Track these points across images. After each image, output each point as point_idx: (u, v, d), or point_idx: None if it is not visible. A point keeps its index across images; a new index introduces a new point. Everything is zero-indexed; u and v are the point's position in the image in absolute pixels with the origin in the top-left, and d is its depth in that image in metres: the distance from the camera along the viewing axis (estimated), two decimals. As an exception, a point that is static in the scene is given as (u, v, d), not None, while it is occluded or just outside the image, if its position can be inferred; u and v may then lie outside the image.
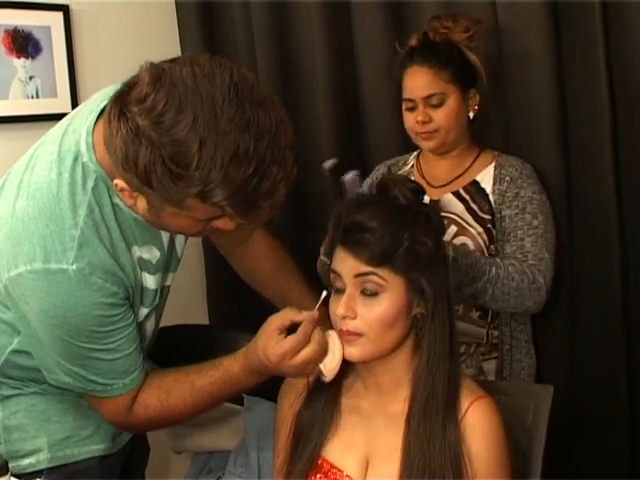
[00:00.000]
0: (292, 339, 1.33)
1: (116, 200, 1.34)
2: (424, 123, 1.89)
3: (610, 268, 1.94)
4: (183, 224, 1.27)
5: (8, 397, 1.49)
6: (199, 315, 2.68)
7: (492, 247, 1.89)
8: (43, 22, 2.31)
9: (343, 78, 2.35)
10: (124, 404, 1.44)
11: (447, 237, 1.86)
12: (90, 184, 1.32)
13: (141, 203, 1.24)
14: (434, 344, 1.34)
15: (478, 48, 1.90)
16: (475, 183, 1.94)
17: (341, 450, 1.41)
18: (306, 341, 1.33)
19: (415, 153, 2.08)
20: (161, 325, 2.07)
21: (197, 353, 1.96)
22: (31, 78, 2.29)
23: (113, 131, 1.17)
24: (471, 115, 1.93)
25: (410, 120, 1.92)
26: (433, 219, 1.36)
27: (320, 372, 1.37)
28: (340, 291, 1.35)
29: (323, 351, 1.34)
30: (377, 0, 2.22)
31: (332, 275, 1.37)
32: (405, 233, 1.30)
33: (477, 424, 1.32)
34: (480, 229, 1.89)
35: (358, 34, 2.29)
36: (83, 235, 1.30)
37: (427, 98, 1.87)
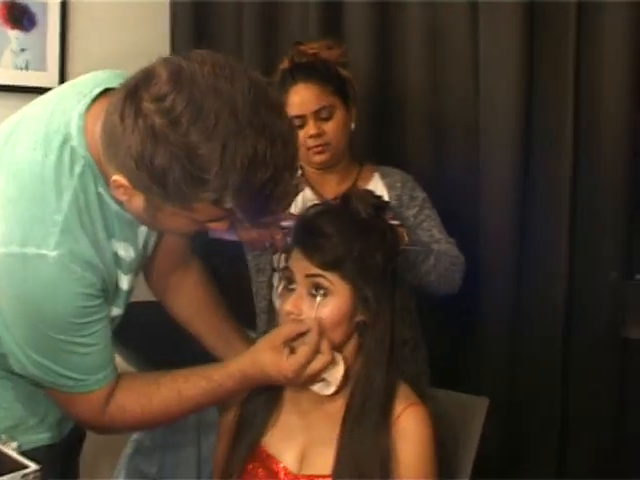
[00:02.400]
0: (306, 352, 1.35)
1: (100, 190, 1.28)
2: (317, 136, 1.93)
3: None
4: (180, 224, 1.24)
5: None
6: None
7: None
8: (40, -4, 2.37)
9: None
10: (98, 402, 1.37)
11: None
12: (77, 169, 1.25)
13: (137, 201, 1.20)
14: (373, 351, 1.41)
15: (347, 66, 1.98)
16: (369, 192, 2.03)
17: (280, 441, 1.48)
18: (317, 351, 1.36)
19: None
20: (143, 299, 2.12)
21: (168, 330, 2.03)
22: (22, 50, 2.35)
23: (127, 128, 1.12)
24: (353, 127, 2.00)
25: (300, 137, 1.91)
26: (388, 235, 1.44)
27: (324, 382, 1.41)
28: (291, 290, 1.42)
29: (331, 360, 1.38)
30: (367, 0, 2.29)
31: (286, 272, 1.44)
32: (357, 244, 1.38)
33: (408, 430, 1.39)
34: None
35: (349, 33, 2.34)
36: (66, 221, 1.23)
37: (317, 112, 1.92)
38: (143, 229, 1.42)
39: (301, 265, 1.40)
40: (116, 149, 1.16)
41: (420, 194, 2.00)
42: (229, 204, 1.13)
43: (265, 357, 1.37)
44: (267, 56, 2.51)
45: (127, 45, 2.48)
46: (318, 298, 1.38)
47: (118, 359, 2.04)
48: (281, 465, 1.45)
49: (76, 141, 1.25)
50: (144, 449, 2.08)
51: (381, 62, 2.31)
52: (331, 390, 1.41)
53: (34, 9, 2.35)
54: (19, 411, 1.45)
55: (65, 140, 1.25)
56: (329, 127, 1.93)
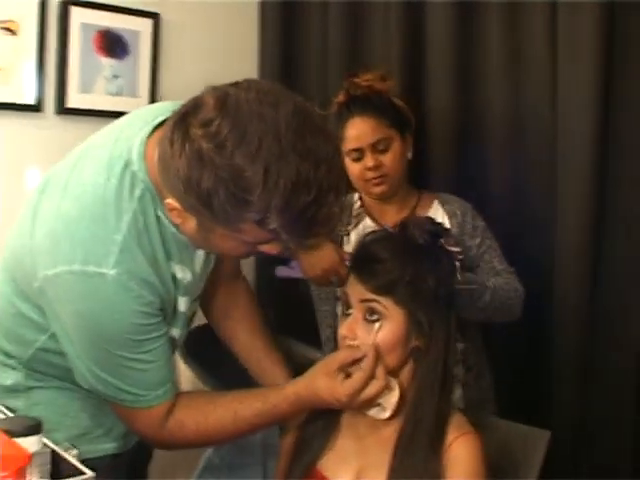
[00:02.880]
0: (361, 377, 1.37)
1: (159, 213, 1.33)
2: (375, 168, 1.95)
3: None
4: (231, 246, 1.28)
5: (31, 388, 1.49)
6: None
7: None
8: (134, 27, 2.50)
9: (417, 76, 2.40)
10: (157, 417, 1.41)
11: None
12: (137, 192, 1.31)
13: (190, 223, 1.25)
14: (426, 378, 1.42)
15: (401, 97, 2.00)
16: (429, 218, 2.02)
17: (335, 464, 1.49)
18: (372, 377, 1.37)
19: (357, 195, 2.12)
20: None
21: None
22: (115, 77, 2.47)
23: (176, 153, 1.17)
24: (409, 156, 2.01)
25: (358, 169, 1.97)
26: (444, 261, 1.45)
27: (379, 407, 1.42)
28: (348, 315, 1.44)
29: (386, 385, 1.39)
30: (449, 0, 2.29)
31: (344, 297, 1.47)
32: (410, 269, 1.39)
33: (459, 459, 1.38)
34: None
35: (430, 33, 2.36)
36: (125, 241, 1.29)
37: (374, 144, 1.94)
38: (200, 253, 1.46)
39: (356, 290, 1.42)
40: (167, 173, 1.21)
41: (480, 223, 2.00)
42: (273, 225, 1.16)
43: (319, 382, 1.39)
44: (351, 56, 2.55)
45: (216, 71, 2.57)
46: (377, 324, 1.40)
47: (192, 377, 2.12)
48: (335, 487, 1.47)
49: (137, 166, 1.31)
50: (213, 468, 2.14)
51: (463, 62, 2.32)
52: (386, 415, 1.42)
53: (127, 38, 2.47)
54: (85, 421, 1.52)
55: (126, 165, 1.32)
56: (386, 159, 1.96)
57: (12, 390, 1.49)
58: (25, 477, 1.11)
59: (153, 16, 2.54)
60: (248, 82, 1.21)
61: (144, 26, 2.51)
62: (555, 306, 2.11)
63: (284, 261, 2.04)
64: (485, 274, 1.92)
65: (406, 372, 1.45)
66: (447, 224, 1.97)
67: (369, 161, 1.94)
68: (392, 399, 1.41)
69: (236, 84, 1.20)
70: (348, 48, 2.57)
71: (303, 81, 2.74)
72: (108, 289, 1.28)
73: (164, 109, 1.36)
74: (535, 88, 2.17)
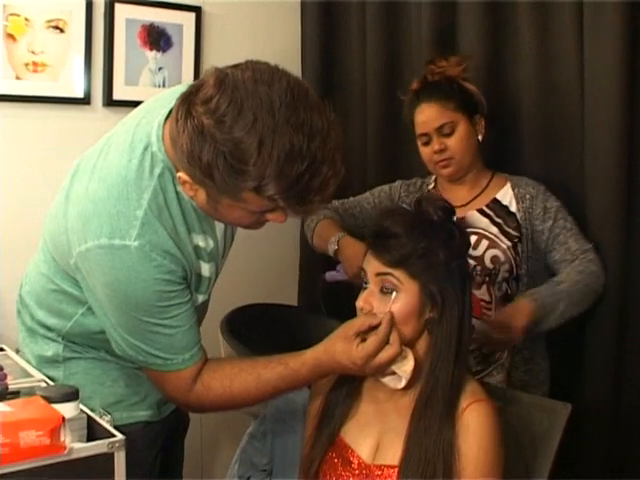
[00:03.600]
0: (374, 341, 1.42)
1: (179, 189, 1.43)
2: (441, 151, 2.05)
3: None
4: (238, 215, 1.39)
5: (69, 359, 1.61)
6: (289, 296, 2.85)
7: (518, 259, 2.04)
8: (177, 20, 2.59)
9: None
10: (185, 380, 1.51)
11: (479, 252, 2.04)
12: (157, 171, 1.42)
13: (201, 195, 1.36)
14: (441, 348, 1.48)
15: (472, 79, 2.07)
16: (496, 201, 2.09)
17: (356, 431, 1.56)
18: (386, 342, 1.43)
19: (433, 177, 2.22)
20: (251, 302, 2.27)
21: (282, 331, 2.17)
22: (160, 69, 2.57)
23: (180, 129, 1.28)
24: (480, 138, 2.08)
25: (427, 153, 2.09)
26: (456, 236, 1.50)
27: (395, 376, 1.48)
28: (365, 289, 1.51)
29: (400, 351, 1.45)
30: (481, 0, 2.31)
31: (361, 273, 1.53)
32: (422, 242, 1.45)
33: (471, 425, 1.43)
34: (508, 243, 2.05)
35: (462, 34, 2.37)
36: (146, 216, 1.40)
37: (439, 128, 2.04)
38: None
39: (372, 264, 1.49)
40: (176, 149, 1.32)
41: (553, 204, 2.05)
42: (270, 192, 1.27)
43: (337, 346, 1.46)
44: (388, 50, 2.60)
45: (259, 55, 2.64)
46: (394, 294, 1.46)
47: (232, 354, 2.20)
48: (355, 455, 1.53)
49: (156, 147, 1.42)
50: (255, 441, 2.22)
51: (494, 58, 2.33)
52: (402, 384, 1.47)
53: (170, 31, 2.57)
54: (121, 389, 1.63)
55: (146, 147, 1.43)
56: (451, 142, 2.05)
57: (52, 361, 1.61)
58: (59, 438, 1.21)
59: (196, 10, 2.62)
60: (247, 63, 1.31)
61: (187, 19, 2.60)
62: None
63: (331, 266, 2.19)
64: (559, 264, 2.01)
65: (422, 343, 1.50)
66: (513, 208, 2.06)
67: (435, 145, 2.06)
68: (407, 368, 1.46)
69: (236, 65, 1.30)
70: (385, 48, 2.61)
71: (343, 77, 2.80)
72: (132, 259, 1.39)
73: (178, 92, 1.44)
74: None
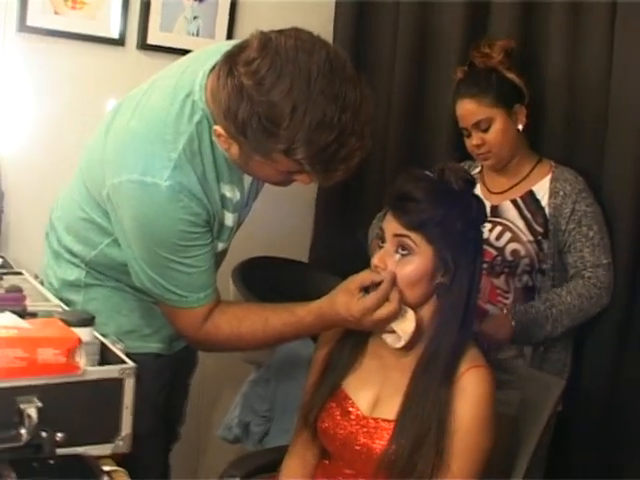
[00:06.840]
0: (374, 296, 1.48)
1: (214, 139, 1.48)
2: (479, 146, 2.09)
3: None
4: (267, 172, 1.46)
5: (90, 285, 1.68)
6: (301, 253, 2.86)
7: (541, 254, 2.07)
8: (215, -30, 2.59)
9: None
10: (196, 318, 1.58)
11: (501, 243, 2.10)
12: (196, 118, 1.48)
13: (234, 149, 1.42)
14: (447, 313, 1.52)
15: (514, 68, 2.08)
16: (531, 193, 2.11)
17: (358, 384, 1.61)
18: (386, 299, 1.48)
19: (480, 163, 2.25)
20: (263, 254, 2.33)
21: (291, 286, 2.22)
22: (195, 18, 2.59)
23: (221, 85, 1.36)
24: (520, 127, 2.10)
25: (469, 145, 2.14)
26: (473, 208, 1.54)
27: (395, 335, 1.52)
28: (382, 248, 1.55)
29: (399, 310, 1.49)
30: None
31: (379, 232, 1.57)
32: (441, 210, 1.49)
33: (467, 388, 1.48)
34: (531, 238, 2.08)
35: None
36: (179, 159, 1.46)
37: (476, 124, 2.08)
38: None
39: (391, 225, 1.53)
40: (215, 103, 1.39)
41: (584, 208, 2.05)
42: (298, 156, 1.33)
43: (339, 297, 1.52)
44: (419, 44, 2.59)
45: (291, 20, 2.65)
46: (397, 255, 1.51)
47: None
48: (355, 406, 1.59)
49: (197, 96, 1.48)
50: (258, 387, 2.29)
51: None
52: (401, 343, 1.52)
53: (208, -19, 2.59)
54: (136, 319, 1.71)
55: (188, 94, 1.49)
56: (489, 137, 2.09)
57: (73, 285, 1.69)
58: (75, 358, 1.26)
59: (236, -36, 2.63)
60: (291, 30, 1.37)
61: (226, -30, 2.61)
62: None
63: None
64: (570, 269, 2.06)
65: (429, 307, 1.55)
66: (544, 202, 2.08)
67: (473, 139, 2.11)
68: (407, 329, 1.50)
69: (280, 31, 1.36)
70: (417, 47, 2.61)
71: (373, 70, 2.74)
72: (161, 197, 1.45)
73: (227, 47, 1.49)
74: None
